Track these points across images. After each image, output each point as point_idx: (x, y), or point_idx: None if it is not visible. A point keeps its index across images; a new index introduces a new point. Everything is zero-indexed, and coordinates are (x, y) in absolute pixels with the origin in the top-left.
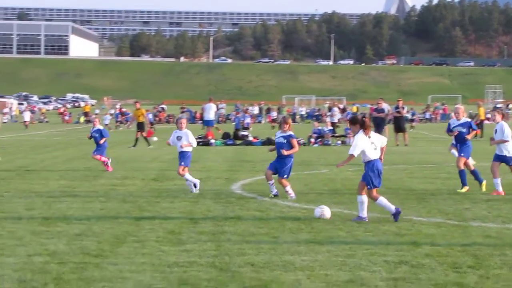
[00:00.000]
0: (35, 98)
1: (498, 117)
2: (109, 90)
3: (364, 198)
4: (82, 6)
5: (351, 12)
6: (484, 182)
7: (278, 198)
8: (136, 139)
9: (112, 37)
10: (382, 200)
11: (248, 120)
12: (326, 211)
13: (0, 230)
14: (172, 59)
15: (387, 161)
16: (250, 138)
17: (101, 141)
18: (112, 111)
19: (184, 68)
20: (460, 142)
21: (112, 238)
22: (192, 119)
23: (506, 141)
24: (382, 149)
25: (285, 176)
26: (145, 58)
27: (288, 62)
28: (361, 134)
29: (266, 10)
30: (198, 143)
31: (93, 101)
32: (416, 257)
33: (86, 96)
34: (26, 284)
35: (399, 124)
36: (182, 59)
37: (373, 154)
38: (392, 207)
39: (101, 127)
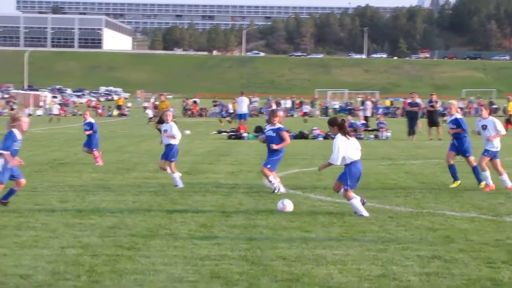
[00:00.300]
0: (69, 91)
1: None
2: (142, 83)
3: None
4: (116, 0)
5: (384, 6)
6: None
7: (310, 192)
8: (160, 130)
9: (145, 30)
10: (357, 201)
11: (280, 113)
12: (288, 205)
13: (34, 222)
14: (205, 53)
15: (420, 155)
16: None
17: (87, 132)
18: (146, 104)
19: (216, 62)
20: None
21: (144, 231)
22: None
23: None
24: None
25: (268, 166)
26: (178, 51)
27: (320, 56)
28: (340, 137)
29: (299, 4)
30: (230, 137)
31: (126, 95)
32: (449, 252)
33: (119, 90)
34: (59, 276)
35: (433, 118)
36: (214, 52)
37: (355, 155)
38: (364, 212)
39: (92, 121)
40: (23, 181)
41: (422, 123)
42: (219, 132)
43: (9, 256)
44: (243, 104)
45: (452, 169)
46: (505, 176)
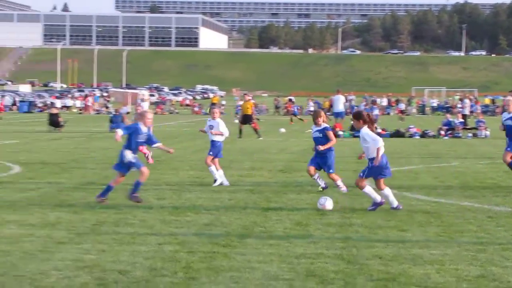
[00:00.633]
0: (166, 89)
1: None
2: (238, 81)
3: (387, 191)
4: None
5: (483, 2)
6: None
7: (407, 191)
8: (240, 130)
9: (241, 29)
10: (369, 188)
11: (376, 112)
12: (328, 203)
13: (132, 218)
14: (300, 51)
15: None
16: (379, 130)
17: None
18: (241, 103)
19: (312, 60)
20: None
21: (240, 229)
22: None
23: None
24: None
25: (331, 171)
26: (274, 49)
27: (418, 54)
28: (367, 129)
29: (395, 1)
30: None
31: (222, 93)
32: None
33: (215, 88)
34: (156, 272)
35: None
36: (310, 50)
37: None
38: (378, 197)
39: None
40: (144, 169)
41: None
42: None
43: (107, 252)
44: (339, 103)
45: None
46: None
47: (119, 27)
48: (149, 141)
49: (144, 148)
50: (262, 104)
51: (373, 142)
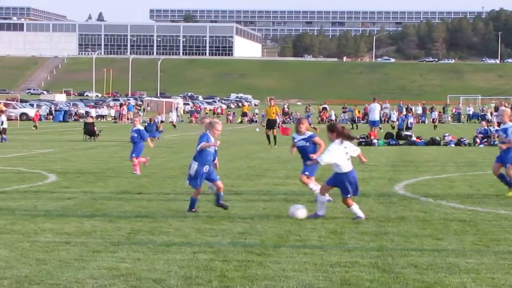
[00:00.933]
0: (200, 98)
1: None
2: (272, 90)
3: (324, 198)
4: (246, 7)
5: None
6: None
7: (442, 199)
8: (268, 137)
9: (275, 37)
10: (355, 207)
11: (411, 120)
12: (300, 212)
13: (167, 227)
14: (335, 59)
15: None
16: (413, 138)
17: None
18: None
19: (346, 68)
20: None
21: (274, 237)
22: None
23: None
24: (359, 155)
25: (306, 172)
26: (308, 58)
27: (452, 61)
28: (337, 144)
29: (430, 9)
30: (360, 143)
31: (257, 101)
32: None
33: (249, 96)
34: (191, 280)
35: None
36: (344, 58)
37: (347, 166)
38: (361, 214)
39: (141, 127)
40: (219, 183)
41: None
42: None
43: (142, 260)
44: (376, 111)
45: (503, 178)
46: None
47: (154, 36)
48: (214, 154)
49: (140, 158)
50: (297, 112)
51: (324, 152)
